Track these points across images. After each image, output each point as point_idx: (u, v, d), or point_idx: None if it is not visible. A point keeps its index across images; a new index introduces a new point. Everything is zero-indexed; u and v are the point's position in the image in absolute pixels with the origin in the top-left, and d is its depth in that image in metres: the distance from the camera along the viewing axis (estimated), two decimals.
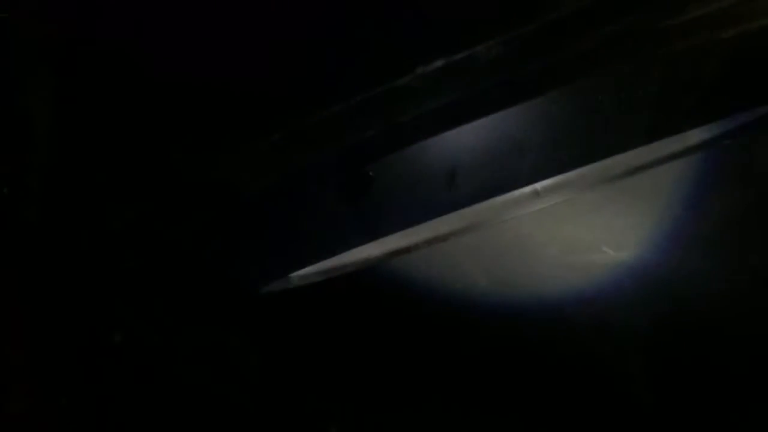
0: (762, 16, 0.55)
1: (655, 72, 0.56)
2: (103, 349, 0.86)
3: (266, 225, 0.67)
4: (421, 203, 0.63)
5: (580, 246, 0.75)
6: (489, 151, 0.61)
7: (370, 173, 0.60)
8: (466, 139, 0.59)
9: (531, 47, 0.53)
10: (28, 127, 0.80)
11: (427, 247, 0.73)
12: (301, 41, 0.58)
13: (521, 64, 0.53)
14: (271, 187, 0.62)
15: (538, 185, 0.72)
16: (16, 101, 0.79)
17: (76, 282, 0.83)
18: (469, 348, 0.78)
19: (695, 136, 0.67)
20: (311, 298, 0.74)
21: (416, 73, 0.53)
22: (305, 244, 0.68)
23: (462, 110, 0.56)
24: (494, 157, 0.61)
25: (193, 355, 0.86)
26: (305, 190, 0.63)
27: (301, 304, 0.74)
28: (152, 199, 0.74)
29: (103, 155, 0.77)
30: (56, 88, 0.78)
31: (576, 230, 0.75)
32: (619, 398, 0.77)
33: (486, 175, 0.62)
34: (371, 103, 0.55)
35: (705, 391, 0.76)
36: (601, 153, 0.61)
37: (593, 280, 0.76)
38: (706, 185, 0.71)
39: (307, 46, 0.57)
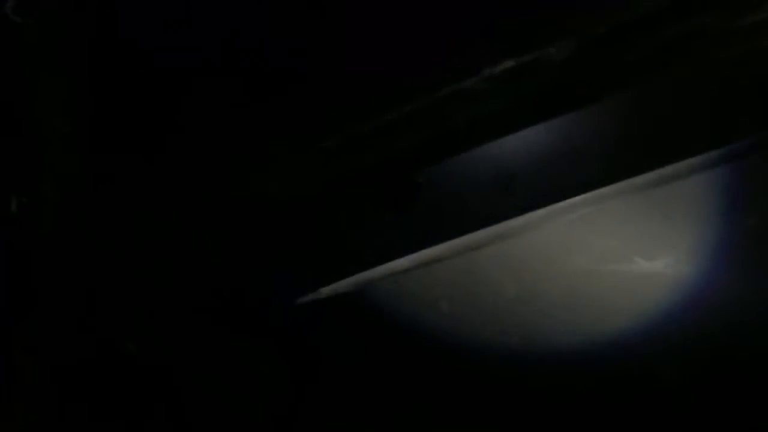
0: None
1: (719, 76, 0.55)
2: (117, 358, 0.84)
3: (309, 235, 0.65)
4: (475, 210, 0.62)
5: (611, 256, 0.74)
6: (549, 156, 0.59)
7: (419, 180, 0.59)
8: (526, 143, 0.58)
9: (599, 49, 0.52)
10: (44, 135, 0.78)
11: (458, 257, 0.72)
12: (360, 42, 0.56)
13: (589, 65, 0.52)
14: (314, 196, 0.61)
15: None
16: (31, 108, 0.77)
17: (92, 291, 0.81)
18: (497, 358, 0.77)
19: (740, 141, 0.67)
20: (339, 307, 0.73)
21: (483, 75, 0.52)
22: (351, 254, 0.66)
23: (523, 114, 0.55)
24: (554, 163, 0.60)
25: (208, 368, 0.84)
26: (351, 199, 0.61)
27: (329, 313, 0.73)
28: (183, 211, 0.72)
29: (127, 164, 0.75)
30: (75, 96, 0.76)
31: (607, 240, 0.74)
32: (651, 409, 0.77)
33: (544, 182, 0.61)
34: (433, 107, 0.54)
35: (741, 401, 0.75)
36: (662, 160, 0.60)
37: (624, 291, 0.75)
38: (743, 194, 0.71)
39: (370, 47, 0.56)
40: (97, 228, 0.78)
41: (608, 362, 0.76)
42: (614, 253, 0.74)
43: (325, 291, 0.70)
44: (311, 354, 0.78)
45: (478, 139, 0.57)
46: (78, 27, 0.76)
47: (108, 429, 0.86)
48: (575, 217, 0.72)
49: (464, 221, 0.63)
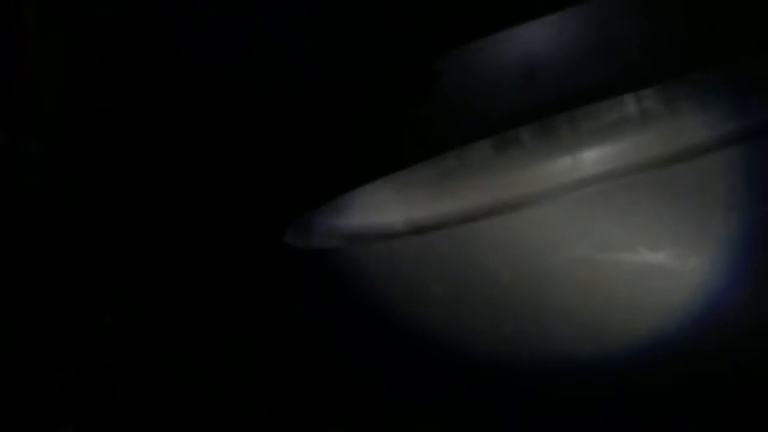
0: None
1: None
2: (93, 332, 0.81)
3: (306, 131, 0.60)
4: (497, 105, 0.55)
5: (613, 243, 0.71)
6: (577, 47, 0.53)
7: (435, 67, 0.54)
8: (551, 30, 0.53)
9: None
10: (34, 86, 0.76)
11: (455, 225, 0.69)
12: None
13: None
14: (314, 84, 0.56)
15: (579, 168, 0.68)
16: (25, 58, 0.76)
17: (69, 259, 0.78)
18: (489, 347, 0.73)
19: (757, 116, 0.64)
20: (326, 263, 0.69)
21: None
22: (355, 158, 0.60)
23: None
24: (582, 55, 0.54)
25: (189, 349, 0.81)
26: (357, 88, 0.56)
27: (315, 268, 0.70)
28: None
29: (112, 128, 0.73)
30: (70, 52, 0.74)
31: (610, 226, 0.70)
32: (645, 405, 0.72)
33: (571, 77, 0.54)
34: None
35: (742, 403, 0.71)
36: (711, 58, 0.54)
37: (622, 282, 0.71)
38: (763, 179, 0.67)
39: None
40: (81, 194, 0.76)
41: (602, 355, 0.72)
42: (617, 241, 0.71)
43: (314, 239, 0.66)
44: (290, 327, 0.75)
45: (499, 22, 0.52)
46: None
47: (80, 402, 0.83)
48: (578, 196, 0.69)
49: (483, 120, 0.57)
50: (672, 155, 0.66)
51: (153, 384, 0.82)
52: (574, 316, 0.72)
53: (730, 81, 0.65)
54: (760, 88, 0.65)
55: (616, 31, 0.54)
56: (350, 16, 0.54)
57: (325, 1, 0.55)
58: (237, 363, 0.80)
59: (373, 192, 0.66)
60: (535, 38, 0.54)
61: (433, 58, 0.54)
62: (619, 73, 0.55)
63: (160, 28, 0.66)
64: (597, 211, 0.70)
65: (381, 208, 0.68)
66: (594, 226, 0.71)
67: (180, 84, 0.65)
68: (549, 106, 0.55)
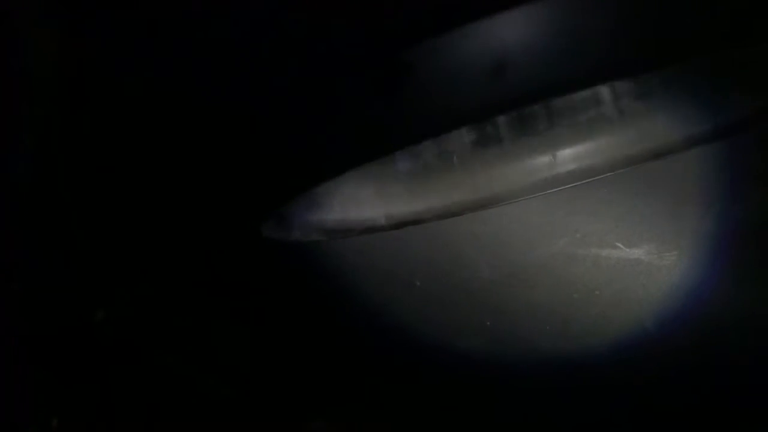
0: None
1: None
2: (84, 325, 0.82)
3: (279, 124, 0.61)
4: (465, 97, 0.56)
5: (591, 239, 0.72)
6: (544, 40, 0.54)
7: (407, 60, 0.54)
8: (521, 22, 0.53)
9: None
10: (28, 81, 0.77)
11: (436, 220, 0.70)
12: None
13: None
14: (288, 77, 0.57)
15: (558, 165, 0.69)
16: (19, 55, 0.77)
17: (62, 253, 0.80)
18: (464, 340, 0.74)
19: (731, 115, 0.64)
20: (307, 256, 0.70)
21: None
22: (327, 148, 0.61)
23: None
24: (550, 48, 0.54)
25: (177, 342, 0.82)
26: (329, 81, 0.57)
27: (297, 261, 0.71)
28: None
29: (104, 125, 0.74)
30: (62, 48, 0.76)
31: (589, 222, 0.72)
32: (624, 399, 0.73)
33: (540, 70, 0.54)
34: None
35: (717, 398, 0.72)
36: (678, 52, 0.54)
37: (600, 277, 0.72)
38: (739, 177, 0.68)
39: None
40: (73, 188, 0.77)
41: (581, 349, 0.73)
42: (595, 237, 0.72)
43: (294, 232, 0.67)
44: (275, 320, 0.76)
45: (469, 14, 0.52)
46: None
47: (67, 394, 0.83)
48: (557, 193, 0.70)
49: (454, 112, 0.57)
50: (649, 152, 0.67)
51: (141, 375, 0.83)
52: (552, 310, 0.73)
53: (705, 78, 0.66)
54: (735, 84, 0.66)
55: (585, 23, 0.54)
56: (323, 11, 0.55)
57: None
58: (223, 355, 0.81)
59: (354, 187, 0.67)
60: (505, 30, 0.54)
61: (404, 50, 0.54)
62: (589, 64, 0.55)
63: (147, 29, 0.67)
64: (575, 208, 0.71)
65: (361, 203, 0.69)
66: (572, 223, 0.72)
67: (163, 83, 0.66)
68: (520, 96, 0.56)
